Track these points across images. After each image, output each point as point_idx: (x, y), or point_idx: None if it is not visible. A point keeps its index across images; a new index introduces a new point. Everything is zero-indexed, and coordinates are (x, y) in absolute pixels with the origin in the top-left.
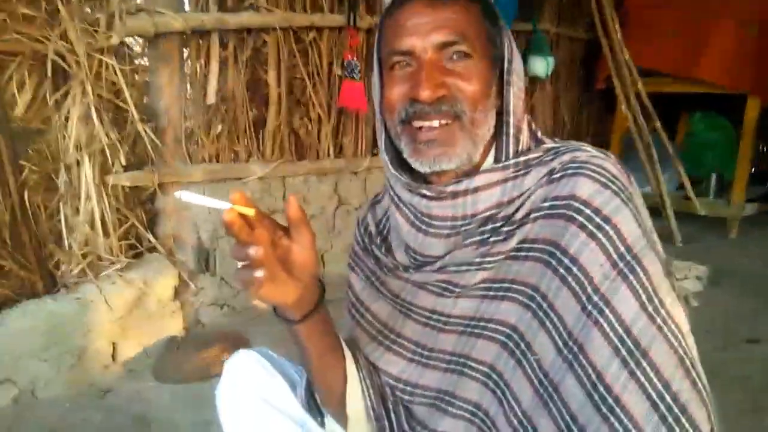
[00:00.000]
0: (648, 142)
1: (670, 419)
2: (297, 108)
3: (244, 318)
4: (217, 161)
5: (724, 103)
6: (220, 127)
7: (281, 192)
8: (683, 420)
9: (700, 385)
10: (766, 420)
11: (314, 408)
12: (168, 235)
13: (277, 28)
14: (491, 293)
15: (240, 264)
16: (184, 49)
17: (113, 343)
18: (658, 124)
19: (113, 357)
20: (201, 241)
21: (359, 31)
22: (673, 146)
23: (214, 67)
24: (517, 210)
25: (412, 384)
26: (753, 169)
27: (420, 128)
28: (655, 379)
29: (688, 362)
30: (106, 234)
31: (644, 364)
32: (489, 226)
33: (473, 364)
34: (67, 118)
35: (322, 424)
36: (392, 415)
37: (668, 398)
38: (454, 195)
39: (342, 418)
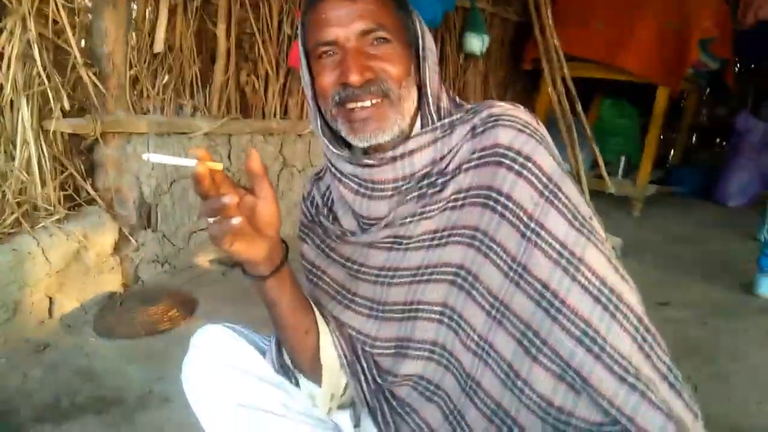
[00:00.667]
0: (569, 124)
1: (610, 307)
2: (245, 64)
3: (185, 277)
4: (162, 113)
5: (634, 91)
6: (166, 78)
7: (227, 150)
8: (621, 306)
9: (627, 277)
10: (682, 371)
11: (286, 371)
12: (108, 187)
13: None
14: (435, 242)
15: (211, 219)
16: None
17: (50, 298)
18: (579, 107)
19: (50, 312)
20: (143, 195)
21: None
22: (590, 128)
23: (163, 14)
24: (448, 164)
25: (372, 337)
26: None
27: (353, 109)
28: (592, 278)
29: (614, 260)
30: (43, 183)
31: (582, 268)
32: (425, 181)
33: (425, 307)
34: (2, 56)
35: (297, 386)
36: (363, 362)
37: (606, 291)
38: (393, 159)
39: (315, 374)
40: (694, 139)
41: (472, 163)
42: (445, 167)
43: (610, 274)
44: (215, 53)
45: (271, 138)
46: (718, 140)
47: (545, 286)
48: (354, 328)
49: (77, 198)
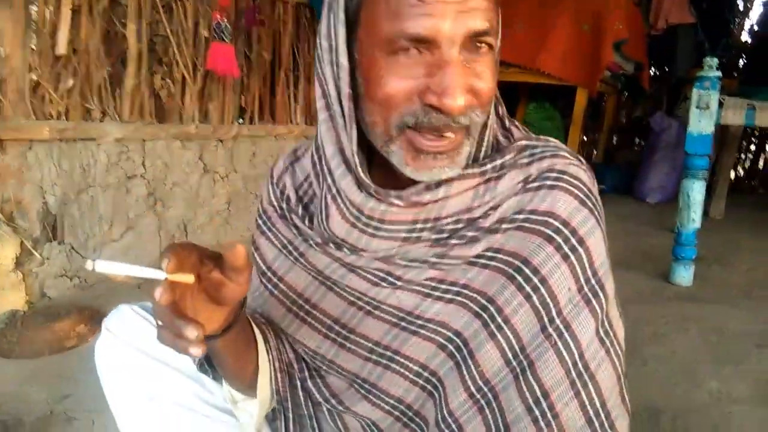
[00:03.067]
0: None
1: None
2: (159, 68)
3: (97, 291)
4: (67, 119)
5: (557, 93)
6: (71, 82)
7: (141, 156)
8: None
9: (626, 399)
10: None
11: (206, 368)
12: (8, 198)
13: None
14: (437, 293)
15: (161, 322)
16: None
17: None
18: (504, 110)
19: None
20: (47, 206)
21: None
22: None
23: (66, 14)
24: (486, 215)
25: (328, 360)
26: None
27: (429, 138)
28: (595, 399)
29: (622, 379)
30: None
31: (590, 386)
32: (450, 227)
33: (402, 360)
34: None
35: (216, 379)
36: (299, 392)
37: (602, 415)
38: (425, 203)
39: (246, 392)
40: (614, 139)
41: (515, 224)
42: (480, 219)
43: (613, 396)
44: (126, 56)
45: (189, 143)
46: (637, 140)
47: (545, 394)
48: (310, 348)
49: None
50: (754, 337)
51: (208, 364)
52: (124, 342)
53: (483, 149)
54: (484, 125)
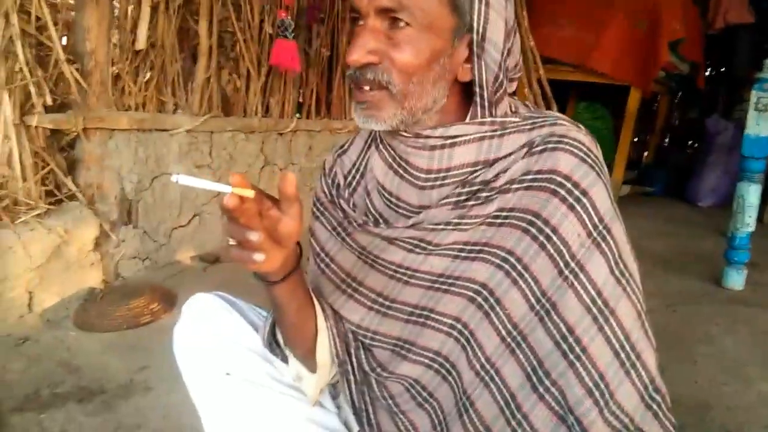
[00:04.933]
0: None
1: (627, 364)
2: (226, 62)
3: (166, 273)
4: (144, 110)
5: (608, 93)
6: (148, 75)
7: (208, 147)
8: (638, 365)
9: (650, 333)
10: None
11: (274, 349)
12: (89, 183)
13: None
14: (463, 254)
15: (232, 241)
16: None
17: (30, 293)
18: (555, 109)
19: (29, 306)
20: (124, 192)
21: None
22: None
23: (146, 11)
24: (496, 177)
25: (372, 331)
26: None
27: (357, 89)
28: (618, 332)
29: (643, 315)
30: (24, 177)
31: (612, 320)
32: (466, 189)
33: (436, 317)
34: None
35: (285, 362)
36: (353, 359)
37: (627, 347)
38: (432, 147)
39: (308, 361)
40: (667, 140)
41: (524, 185)
42: (492, 179)
43: (636, 329)
44: (197, 51)
45: (252, 136)
46: (690, 142)
47: (570, 330)
48: (353, 322)
49: (58, 194)
50: None
51: (276, 344)
52: (201, 324)
53: (477, 114)
54: (475, 100)
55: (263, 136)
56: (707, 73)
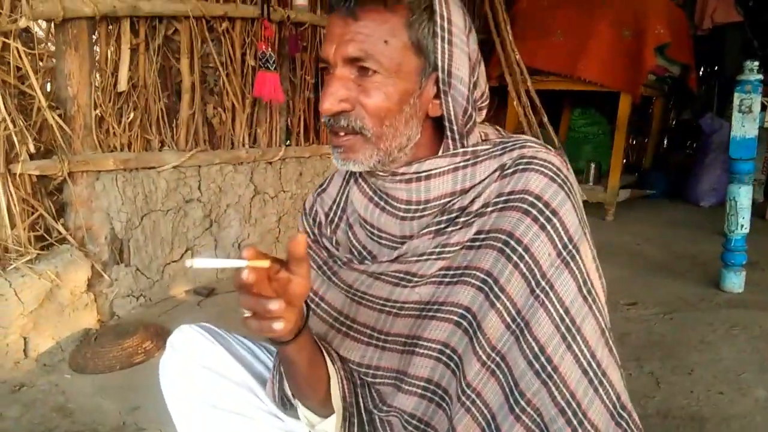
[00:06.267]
0: (537, 135)
1: (596, 382)
2: (210, 97)
3: (161, 309)
4: (129, 150)
5: (601, 100)
6: (132, 115)
7: (197, 181)
8: (605, 381)
9: (614, 350)
10: (645, 367)
11: (284, 402)
12: (79, 225)
13: (191, 16)
14: (447, 279)
15: (247, 312)
16: (93, 35)
17: (24, 338)
18: (545, 119)
19: (25, 352)
20: (114, 231)
21: (272, 23)
22: (557, 138)
23: (126, 53)
24: (472, 202)
25: (374, 367)
26: (624, 160)
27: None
28: (585, 350)
29: (607, 333)
30: (12, 225)
31: (578, 338)
32: (445, 217)
33: (425, 343)
34: None
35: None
36: (360, 399)
37: (594, 365)
38: (408, 180)
39: (320, 409)
40: (665, 142)
41: (498, 206)
42: (468, 204)
43: (600, 347)
44: (180, 88)
45: (240, 167)
46: (688, 143)
47: (542, 349)
48: (354, 361)
49: (48, 238)
50: None
51: (286, 398)
52: (186, 357)
53: (449, 147)
54: (447, 134)
55: (252, 166)
56: (700, 74)
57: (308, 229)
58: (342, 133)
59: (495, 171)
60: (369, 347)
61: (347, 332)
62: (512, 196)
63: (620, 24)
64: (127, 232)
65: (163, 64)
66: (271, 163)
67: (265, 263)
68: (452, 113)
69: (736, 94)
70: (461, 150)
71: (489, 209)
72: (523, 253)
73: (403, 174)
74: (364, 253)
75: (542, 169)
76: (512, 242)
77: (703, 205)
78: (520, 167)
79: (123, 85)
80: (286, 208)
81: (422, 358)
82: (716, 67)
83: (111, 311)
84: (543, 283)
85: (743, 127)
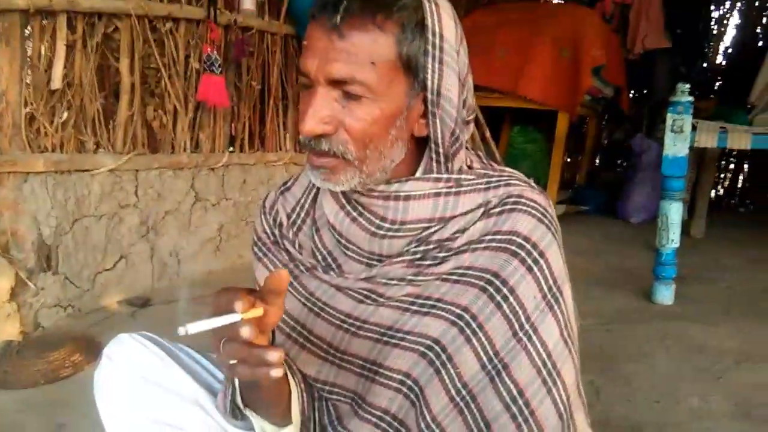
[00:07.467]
0: (480, 149)
1: (566, 426)
2: (151, 99)
3: (92, 320)
4: (62, 151)
5: (538, 117)
6: (65, 115)
7: (134, 186)
8: (572, 427)
9: (581, 389)
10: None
11: (236, 413)
12: (3, 230)
13: (132, 14)
14: (414, 307)
15: (234, 361)
16: (26, 29)
17: None
18: (488, 134)
19: None
20: (42, 237)
21: (219, 26)
22: (498, 153)
23: (61, 50)
24: (454, 237)
25: (330, 383)
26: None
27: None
28: (563, 395)
29: (578, 375)
30: None
31: (558, 382)
32: (422, 247)
33: (386, 372)
34: None
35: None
36: (316, 413)
37: (568, 410)
38: (386, 197)
39: (277, 419)
40: (597, 160)
41: (483, 245)
42: (450, 240)
43: (573, 391)
44: (119, 89)
45: (181, 172)
46: (619, 161)
47: (521, 392)
48: (310, 375)
49: None
50: (733, 354)
51: (238, 410)
52: (124, 369)
53: (433, 169)
54: (431, 156)
55: (193, 172)
56: (630, 96)
57: (268, 230)
58: (322, 158)
59: (479, 207)
60: (326, 363)
61: (304, 344)
62: (498, 236)
63: (559, 44)
64: (57, 238)
65: (102, 63)
66: (213, 169)
67: (259, 311)
68: (439, 135)
69: (668, 115)
70: (445, 176)
71: (472, 247)
72: (508, 294)
73: (381, 191)
74: (329, 260)
75: (530, 209)
76: (497, 282)
77: (633, 221)
78: (507, 207)
79: (57, 83)
80: (229, 216)
81: (382, 388)
82: (645, 91)
83: (36, 322)
84: (527, 326)
85: (675, 146)
